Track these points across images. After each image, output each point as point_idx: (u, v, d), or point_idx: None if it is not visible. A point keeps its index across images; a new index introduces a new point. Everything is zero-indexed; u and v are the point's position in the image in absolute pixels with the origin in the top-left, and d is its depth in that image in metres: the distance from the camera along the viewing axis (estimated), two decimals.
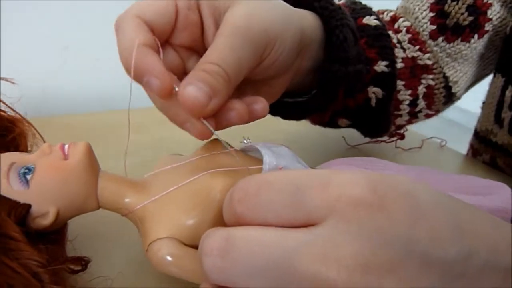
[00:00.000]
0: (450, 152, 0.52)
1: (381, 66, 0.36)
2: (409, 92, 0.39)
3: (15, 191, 0.23)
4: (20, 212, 0.22)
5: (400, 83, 0.39)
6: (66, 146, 0.25)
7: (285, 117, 0.37)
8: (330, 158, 0.33)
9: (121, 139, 0.47)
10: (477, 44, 0.41)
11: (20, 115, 0.30)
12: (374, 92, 0.37)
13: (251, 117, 0.25)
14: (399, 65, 0.38)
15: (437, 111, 0.44)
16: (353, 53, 0.32)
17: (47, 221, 0.23)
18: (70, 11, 0.50)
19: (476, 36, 0.40)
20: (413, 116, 0.42)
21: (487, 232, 0.17)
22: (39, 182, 0.23)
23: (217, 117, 0.23)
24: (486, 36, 0.41)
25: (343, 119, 0.39)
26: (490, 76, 0.46)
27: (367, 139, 0.44)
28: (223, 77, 0.22)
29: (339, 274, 0.15)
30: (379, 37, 0.36)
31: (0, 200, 0.22)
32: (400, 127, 0.44)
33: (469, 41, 0.40)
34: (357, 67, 0.33)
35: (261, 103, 0.25)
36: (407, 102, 0.40)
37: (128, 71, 0.23)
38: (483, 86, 0.48)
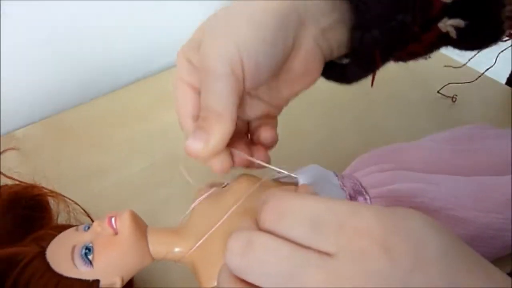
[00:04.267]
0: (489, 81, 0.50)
1: None
2: None
3: (83, 272, 0.26)
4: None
5: None
6: (113, 220, 0.28)
7: (338, 81, 0.32)
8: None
9: (112, 130, 0.48)
10: None
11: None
12: (452, 24, 0.29)
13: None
14: None
15: None
16: (377, 11, 0.26)
17: None
18: None
19: None
20: None
21: None
22: (100, 261, 0.27)
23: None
24: None
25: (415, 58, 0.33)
26: None
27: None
28: (213, 117, 0.24)
29: None
30: None
31: (74, 282, 0.26)
32: None
33: None
34: (387, 26, 0.27)
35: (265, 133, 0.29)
36: None
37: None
38: None
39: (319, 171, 0.31)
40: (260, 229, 0.20)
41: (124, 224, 0.27)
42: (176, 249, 0.28)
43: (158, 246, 0.28)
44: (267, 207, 0.20)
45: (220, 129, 0.24)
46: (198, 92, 0.26)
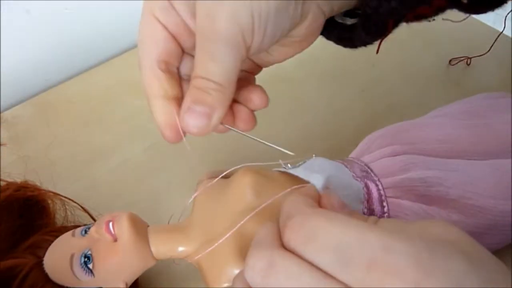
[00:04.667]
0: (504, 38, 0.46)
1: None
2: None
3: (84, 281, 0.25)
4: None
5: None
6: (111, 225, 0.26)
7: (342, 44, 0.30)
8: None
9: (107, 106, 0.45)
10: None
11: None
12: None
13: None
14: None
15: None
16: None
17: None
18: None
19: None
20: None
21: None
22: (101, 269, 0.25)
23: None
24: None
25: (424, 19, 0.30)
26: None
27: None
28: (215, 89, 0.22)
29: None
30: None
31: None
32: None
33: None
34: None
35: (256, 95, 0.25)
36: None
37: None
38: None
39: (327, 164, 0.29)
40: (283, 246, 0.18)
41: (122, 229, 0.26)
42: (180, 248, 0.27)
43: (161, 246, 0.27)
44: (293, 224, 0.18)
45: (223, 104, 0.22)
46: (172, 36, 0.23)
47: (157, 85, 0.23)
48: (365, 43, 0.28)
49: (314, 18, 0.24)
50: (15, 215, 0.28)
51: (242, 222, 0.25)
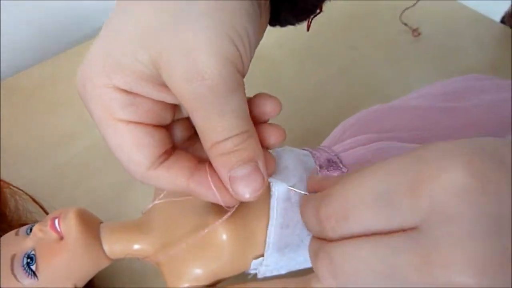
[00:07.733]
0: (485, 20, 0.46)
1: None
2: None
3: (27, 285, 0.23)
4: None
5: None
6: (56, 222, 0.24)
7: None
8: None
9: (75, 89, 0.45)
10: None
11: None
12: None
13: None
14: None
15: None
16: None
17: None
18: None
19: None
20: None
21: None
22: (45, 271, 0.23)
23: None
24: None
25: None
26: None
27: None
28: (243, 140, 0.18)
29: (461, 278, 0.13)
30: None
31: None
32: None
33: None
34: None
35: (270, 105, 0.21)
36: None
37: None
38: None
39: (292, 159, 0.27)
40: (331, 240, 0.17)
41: (69, 226, 0.24)
42: (136, 246, 0.25)
43: (115, 245, 0.25)
44: (324, 213, 0.17)
45: (258, 146, 0.19)
46: (151, 126, 0.19)
47: (174, 181, 0.19)
48: (293, 24, 0.25)
49: (266, 11, 0.22)
50: None
51: (206, 230, 0.23)
